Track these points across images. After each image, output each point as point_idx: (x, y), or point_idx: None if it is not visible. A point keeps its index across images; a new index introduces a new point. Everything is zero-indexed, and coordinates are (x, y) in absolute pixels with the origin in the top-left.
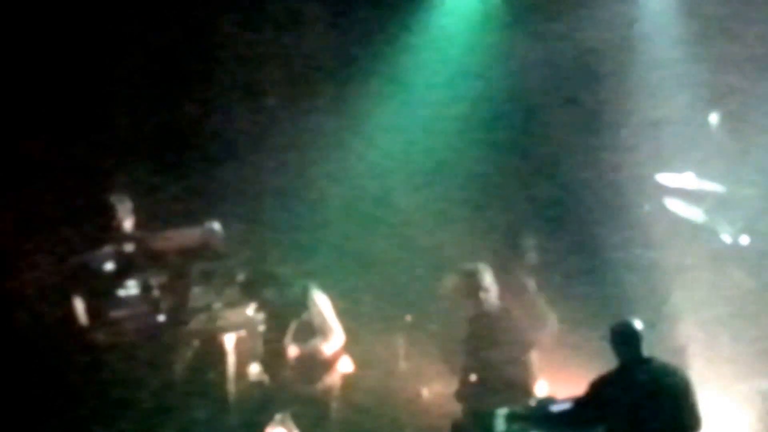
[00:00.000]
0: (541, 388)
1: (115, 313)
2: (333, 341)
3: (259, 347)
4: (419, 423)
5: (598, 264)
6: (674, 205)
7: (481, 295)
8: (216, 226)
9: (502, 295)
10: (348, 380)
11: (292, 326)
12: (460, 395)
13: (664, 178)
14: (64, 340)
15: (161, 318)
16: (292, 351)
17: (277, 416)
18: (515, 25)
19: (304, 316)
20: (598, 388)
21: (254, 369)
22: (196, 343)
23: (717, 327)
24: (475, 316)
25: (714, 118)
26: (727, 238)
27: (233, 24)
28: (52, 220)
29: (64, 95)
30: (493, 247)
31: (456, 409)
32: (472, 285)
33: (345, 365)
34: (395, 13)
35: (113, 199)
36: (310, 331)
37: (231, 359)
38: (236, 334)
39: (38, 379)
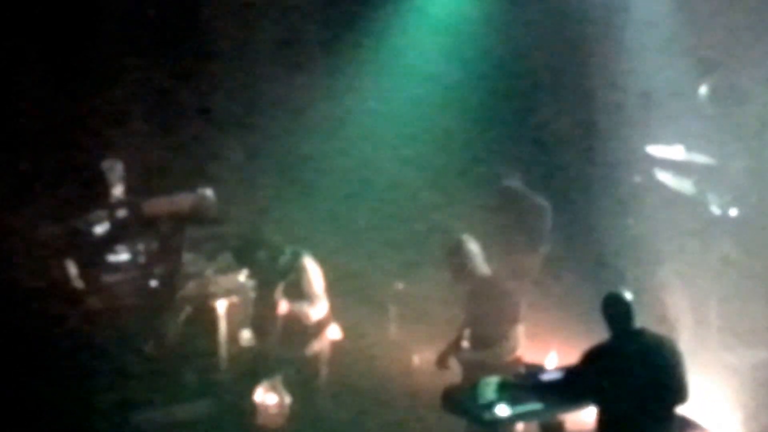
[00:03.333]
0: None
1: (108, 278)
2: (318, 308)
3: (251, 313)
4: (410, 390)
5: (588, 235)
6: (664, 177)
7: (468, 269)
8: (208, 192)
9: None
10: (338, 347)
11: (280, 286)
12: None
13: (654, 149)
14: (57, 305)
15: (153, 283)
16: (283, 306)
17: (268, 381)
18: None
19: (292, 276)
20: (590, 358)
21: (245, 334)
22: (188, 308)
23: (705, 298)
24: (468, 288)
25: (704, 89)
26: (716, 209)
27: None
28: (43, 185)
29: (57, 57)
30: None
31: (447, 376)
32: (456, 261)
33: (334, 332)
34: None
35: (105, 164)
36: (298, 295)
37: (222, 325)
38: (228, 300)
39: (31, 343)
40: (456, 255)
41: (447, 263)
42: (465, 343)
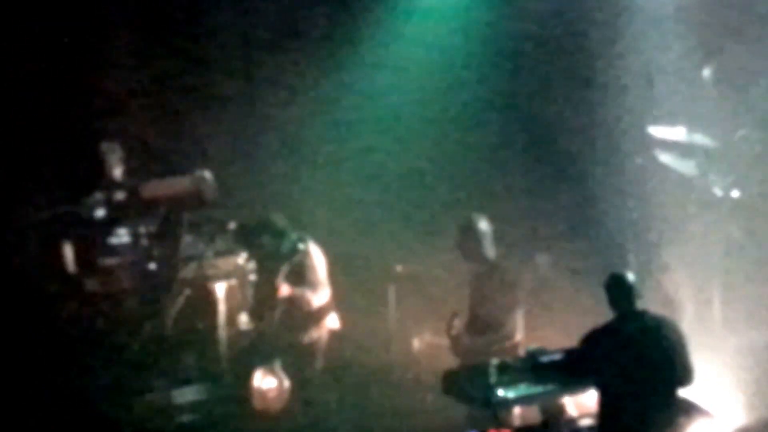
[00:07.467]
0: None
1: (106, 261)
2: (320, 294)
3: (250, 296)
4: (410, 374)
5: (590, 217)
6: (666, 158)
7: (478, 249)
8: (206, 174)
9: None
10: (337, 333)
11: (284, 269)
12: (453, 349)
13: (656, 131)
14: (55, 288)
15: (152, 266)
16: (284, 290)
17: (266, 365)
18: None
19: (295, 261)
20: (592, 340)
21: (244, 317)
22: (186, 291)
23: (708, 280)
24: (475, 269)
25: (706, 71)
26: (718, 191)
27: None
28: (43, 168)
29: (58, 42)
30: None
31: (447, 359)
32: (467, 240)
33: (332, 321)
34: None
35: (104, 146)
36: (300, 280)
37: (221, 308)
38: (227, 283)
39: (29, 326)
40: (467, 234)
41: (457, 242)
42: (461, 329)
